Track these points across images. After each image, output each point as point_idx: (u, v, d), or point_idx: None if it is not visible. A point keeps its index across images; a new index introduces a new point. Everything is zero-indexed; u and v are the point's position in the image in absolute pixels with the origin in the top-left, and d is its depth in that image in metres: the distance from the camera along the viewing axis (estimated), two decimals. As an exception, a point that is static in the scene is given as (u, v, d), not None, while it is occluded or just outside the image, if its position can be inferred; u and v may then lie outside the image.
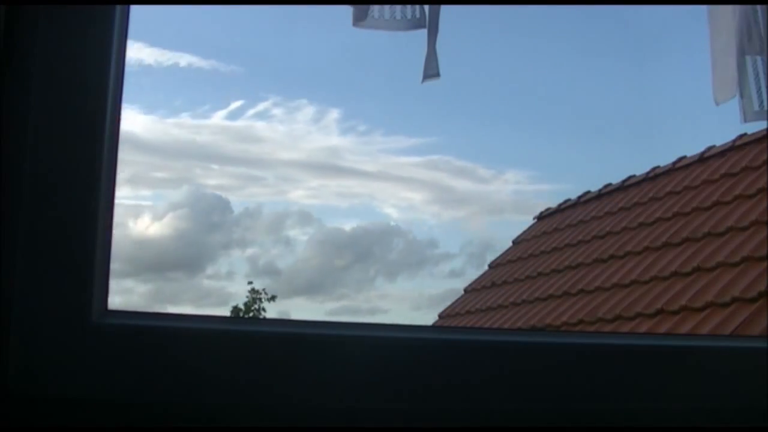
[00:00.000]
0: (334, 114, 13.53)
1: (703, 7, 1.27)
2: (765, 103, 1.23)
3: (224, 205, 15.05)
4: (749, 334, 3.60)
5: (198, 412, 0.79)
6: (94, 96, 0.79)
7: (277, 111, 13.97)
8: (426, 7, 1.08)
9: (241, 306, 13.69)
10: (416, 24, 1.08)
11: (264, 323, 1.90)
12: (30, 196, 0.76)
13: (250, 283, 14.10)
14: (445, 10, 1.08)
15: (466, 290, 7.68)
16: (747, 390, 0.92)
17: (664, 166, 6.42)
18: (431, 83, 1.07)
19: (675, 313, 4.33)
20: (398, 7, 1.08)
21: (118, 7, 0.81)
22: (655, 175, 6.44)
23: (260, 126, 13.82)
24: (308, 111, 13.44)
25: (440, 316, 7.59)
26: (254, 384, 0.79)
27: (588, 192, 7.34)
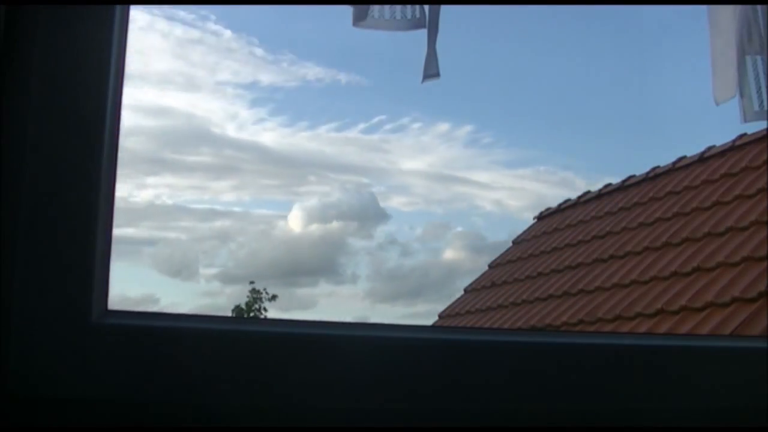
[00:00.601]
0: (467, 128, 13.66)
1: (703, 7, 1.28)
2: (765, 103, 1.23)
3: (372, 211, 15.27)
4: (749, 334, 3.60)
5: (198, 412, 0.79)
6: (94, 96, 0.79)
7: (414, 126, 14.13)
8: (426, 7, 1.08)
9: (243, 306, 13.70)
10: (416, 24, 1.08)
11: (264, 323, 1.90)
12: (30, 196, 0.76)
13: (251, 283, 14.11)
14: (445, 10, 1.09)
15: (466, 290, 7.67)
16: (747, 390, 0.92)
17: (664, 166, 6.42)
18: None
19: (675, 313, 4.33)
20: (398, 7, 1.08)
21: (118, 7, 0.81)
22: (655, 175, 6.44)
23: (391, 138, 14.06)
24: (443, 127, 13.61)
25: (440, 316, 7.59)
26: (254, 384, 0.79)
27: (588, 192, 7.34)
